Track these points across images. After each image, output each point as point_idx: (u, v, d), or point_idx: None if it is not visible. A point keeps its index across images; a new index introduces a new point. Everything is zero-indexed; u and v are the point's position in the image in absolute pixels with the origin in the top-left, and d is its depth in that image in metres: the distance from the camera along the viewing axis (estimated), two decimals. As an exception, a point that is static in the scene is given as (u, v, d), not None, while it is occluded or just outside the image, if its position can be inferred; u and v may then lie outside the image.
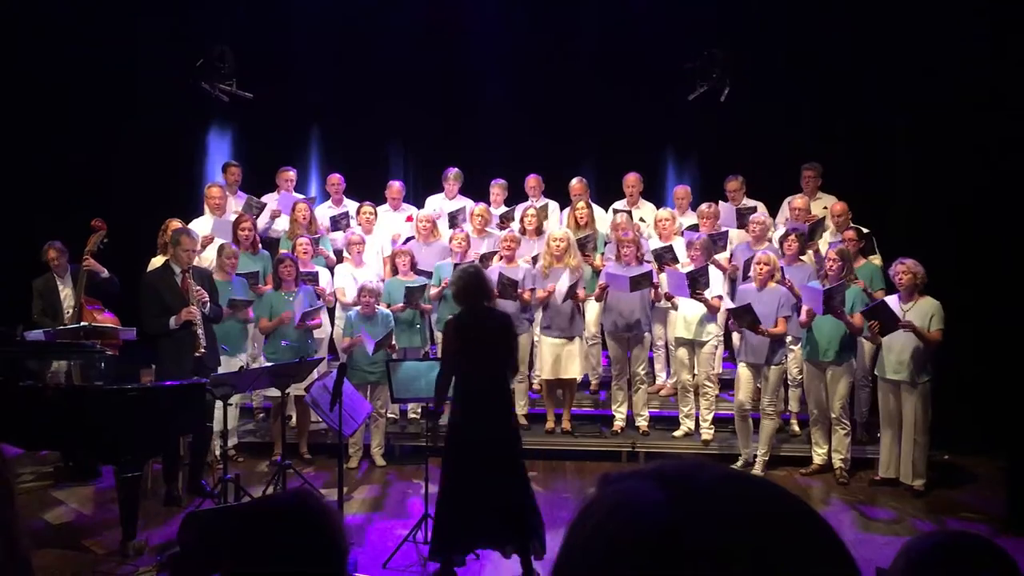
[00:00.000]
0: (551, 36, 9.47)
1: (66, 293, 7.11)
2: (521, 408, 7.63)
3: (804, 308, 6.64)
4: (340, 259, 7.96)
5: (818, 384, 6.78)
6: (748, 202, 8.15)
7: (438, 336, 7.27)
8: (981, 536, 1.55)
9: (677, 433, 7.45)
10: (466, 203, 8.43)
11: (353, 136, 9.45)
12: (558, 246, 7.14)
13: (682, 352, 7.38)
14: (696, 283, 6.81)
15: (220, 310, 6.47)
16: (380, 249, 8.03)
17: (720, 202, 7.92)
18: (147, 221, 7.46)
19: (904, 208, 8.12)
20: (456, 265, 7.00)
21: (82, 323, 6.76)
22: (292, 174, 8.59)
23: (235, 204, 8.25)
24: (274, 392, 6.44)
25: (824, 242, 7.46)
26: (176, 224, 6.99)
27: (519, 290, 7.11)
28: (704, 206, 7.76)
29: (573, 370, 7.31)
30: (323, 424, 6.64)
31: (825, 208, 7.84)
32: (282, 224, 8.18)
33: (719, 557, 0.63)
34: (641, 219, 8.03)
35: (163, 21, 8.66)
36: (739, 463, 6.87)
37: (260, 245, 7.88)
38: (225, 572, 1.44)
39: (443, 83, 9.44)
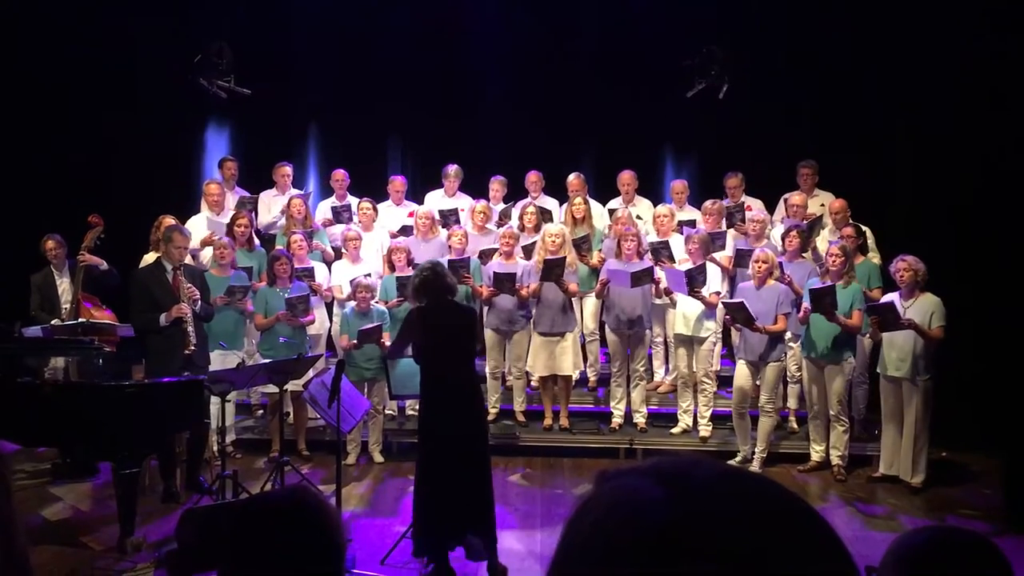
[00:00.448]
0: (550, 33, 9.45)
1: (64, 288, 7.10)
2: (519, 405, 7.64)
3: (803, 305, 6.65)
4: (339, 255, 7.95)
5: (816, 381, 6.78)
6: (747, 199, 8.15)
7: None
8: (970, 532, 1.54)
9: (675, 430, 7.46)
10: (465, 200, 8.43)
11: (352, 133, 9.44)
12: (553, 242, 7.13)
13: (681, 349, 7.38)
14: (694, 281, 6.81)
15: (211, 309, 6.47)
16: (380, 245, 8.02)
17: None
18: (144, 217, 7.45)
19: (903, 206, 8.12)
20: (451, 262, 7.02)
21: (80, 319, 6.75)
22: (289, 170, 8.57)
23: (232, 200, 8.25)
24: (272, 388, 6.44)
25: (823, 240, 7.47)
26: (169, 221, 6.98)
27: (516, 285, 7.11)
28: (708, 203, 7.75)
29: (566, 366, 7.30)
30: (321, 421, 6.65)
31: (822, 205, 7.84)
32: (282, 221, 8.17)
33: (718, 554, 0.63)
34: (638, 216, 8.03)
35: (161, 17, 8.63)
36: (737, 460, 6.88)
37: (257, 242, 7.88)
38: (222, 569, 1.44)
39: (442, 79, 9.42)
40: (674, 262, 7.20)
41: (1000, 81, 7.48)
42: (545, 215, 7.96)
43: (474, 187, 8.62)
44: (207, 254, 7.58)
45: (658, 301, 7.43)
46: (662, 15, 9.00)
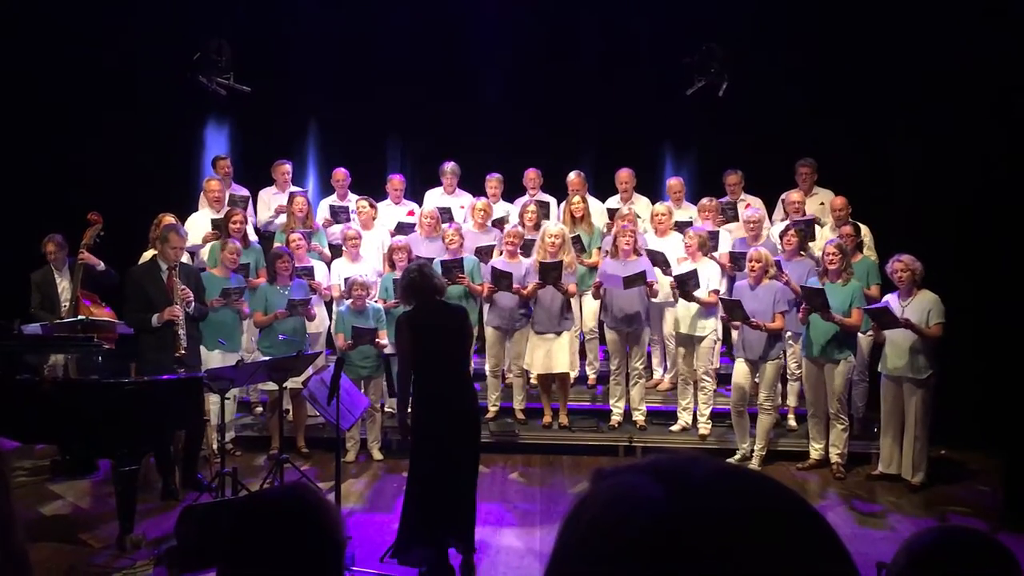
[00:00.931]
0: (550, 31, 9.44)
1: (63, 286, 7.11)
2: (519, 403, 7.65)
3: (802, 305, 6.65)
4: (339, 254, 7.95)
5: (816, 379, 6.79)
6: (746, 197, 8.15)
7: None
8: (982, 531, 1.56)
9: (674, 428, 7.46)
10: (465, 198, 8.42)
11: (351, 130, 9.43)
12: (553, 243, 7.13)
13: (680, 347, 7.39)
14: (685, 284, 6.83)
15: (205, 308, 6.47)
16: (381, 244, 8.01)
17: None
18: (144, 215, 7.44)
19: (903, 204, 8.11)
20: (443, 262, 7.02)
21: (79, 317, 6.75)
22: (288, 167, 8.57)
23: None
24: (271, 386, 6.44)
25: (822, 239, 7.46)
26: (169, 219, 6.97)
27: (515, 286, 7.10)
28: (705, 200, 7.76)
29: (563, 364, 7.31)
30: (320, 418, 6.64)
31: (821, 204, 7.84)
32: (282, 219, 8.18)
33: (717, 552, 0.63)
34: (637, 215, 8.03)
35: (161, 15, 8.63)
36: (736, 458, 6.88)
37: (255, 238, 7.87)
38: (222, 566, 1.44)
39: (442, 77, 9.40)
40: (669, 268, 7.20)
41: (1000, 80, 7.47)
42: (543, 207, 7.96)
43: (475, 185, 8.61)
44: (207, 251, 7.58)
45: (656, 300, 7.44)
46: (662, 13, 8.99)
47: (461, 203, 8.39)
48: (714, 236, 7.52)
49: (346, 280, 7.24)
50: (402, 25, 9.37)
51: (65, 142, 8.50)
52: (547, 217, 8.04)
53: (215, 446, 6.43)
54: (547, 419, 7.55)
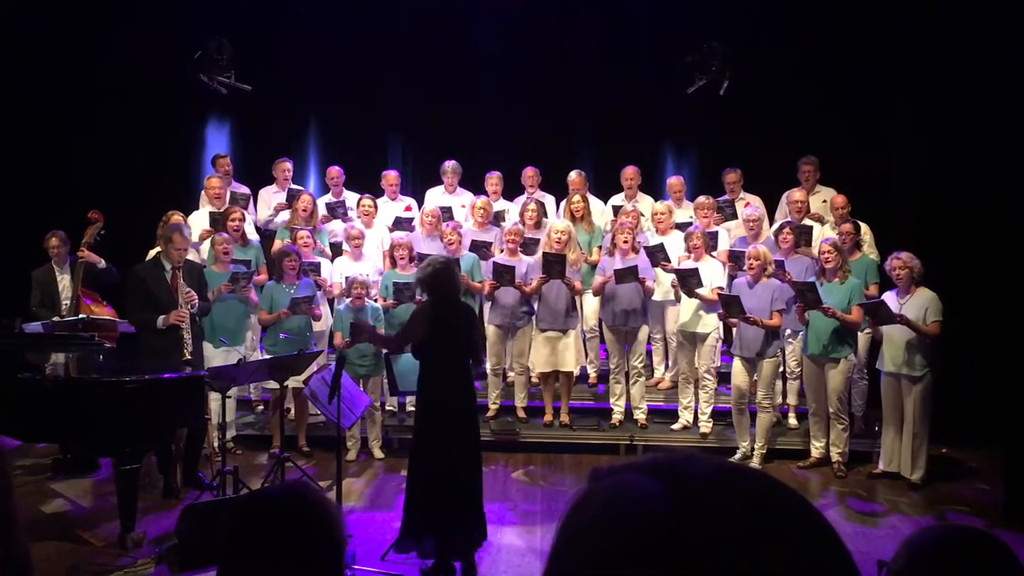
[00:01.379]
0: (551, 29, 9.44)
1: (64, 284, 7.11)
2: (520, 401, 7.65)
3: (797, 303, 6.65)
4: (339, 252, 7.95)
5: (816, 378, 6.79)
6: (745, 196, 8.14)
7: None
8: (982, 530, 1.56)
9: (675, 426, 7.46)
10: (466, 196, 8.42)
11: (352, 128, 9.43)
12: (559, 239, 7.13)
13: (683, 345, 7.38)
14: (686, 282, 6.84)
15: (208, 305, 6.46)
16: (380, 241, 8.01)
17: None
18: (144, 213, 7.45)
19: (904, 202, 8.11)
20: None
21: (80, 315, 6.75)
22: (289, 165, 8.57)
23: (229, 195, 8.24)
24: (273, 384, 6.44)
25: (823, 237, 7.45)
26: (177, 217, 6.97)
27: (517, 281, 7.10)
28: (702, 198, 7.76)
29: (569, 362, 7.31)
30: (321, 417, 6.65)
31: (824, 202, 7.83)
32: (282, 217, 8.17)
33: (717, 550, 0.63)
34: (640, 213, 8.02)
35: (161, 14, 8.62)
36: (737, 456, 6.88)
37: (255, 237, 7.86)
38: (222, 565, 1.44)
39: (442, 75, 9.40)
40: (670, 263, 7.20)
41: (1001, 80, 7.46)
42: (542, 205, 7.96)
43: (475, 183, 8.61)
44: (205, 248, 7.58)
45: (657, 298, 7.44)
46: (663, 11, 8.99)
47: (462, 202, 8.38)
48: (712, 235, 7.52)
49: (347, 279, 7.24)
50: (403, 24, 9.37)
51: (66, 140, 8.50)
52: (545, 215, 8.04)
53: (216, 444, 6.43)
54: (548, 418, 7.55)
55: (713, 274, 7.09)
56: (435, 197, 8.50)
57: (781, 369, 7.23)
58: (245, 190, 8.43)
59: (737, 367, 6.86)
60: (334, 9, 9.23)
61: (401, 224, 7.97)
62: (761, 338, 6.67)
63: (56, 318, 6.83)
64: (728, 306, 6.63)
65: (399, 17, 9.36)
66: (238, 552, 1.43)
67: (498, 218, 8.12)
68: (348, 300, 7.10)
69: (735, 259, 7.27)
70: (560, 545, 0.70)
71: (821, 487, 6.62)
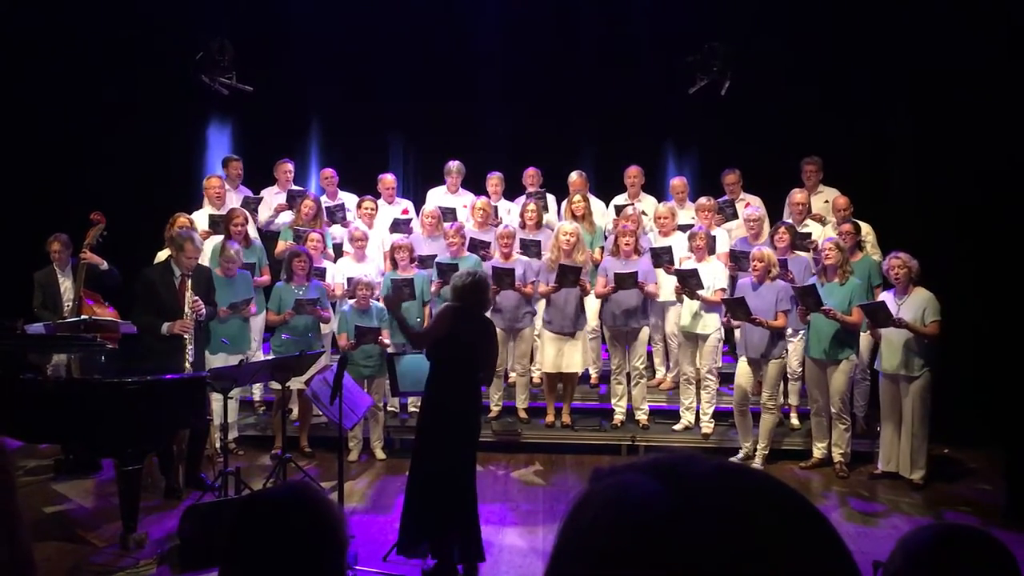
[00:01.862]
0: (552, 30, 9.44)
1: (66, 286, 7.11)
2: (522, 402, 7.64)
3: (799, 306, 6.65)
4: (340, 253, 7.94)
5: (818, 378, 6.78)
6: (746, 196, 8.14)
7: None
8: (978, 529, 1.55)
9: (677, 427, 7.46)
10: (468, 197, 8.41)
11: (354, 129, 9.43)
12: (568, 241, 7.13)
13: (685, 345, 7.38)
14: (686, 283, 6.84)
15: (214, 311, 6.46)
16: (381, 243, 8.01)
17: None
18: (147, 215, 7.46)
19: (904, 202, 8.11)
20: (439, 264, 7.02)
21: (82, 316, 6.75)
22: (290, 166, 8.56)
23: (236, 199, 8.18)
24: (276, 385, 6.44)
25: (824, 237, 7.44)
26: (184, 220, 6.94)
27: (516, 283, 7.10)
28: (703, 199, 7.75)
29: (575, 364, 7.31)
30: (323, 417, 6.65)
31: (826, 202, 7.82)
32: (283, 219, 8.17)
33: (718, 550, 0.63)
34: (643, 213, 8.02)
35: (163, 15, 8.63)
36: (739, 457, 6.88)
37: (257, 238, 7.86)
38: (224, 565, 1.44)
39: (443, 75, 9.40)
40: (673, 265, 7.20)
41: (1002, 79, 7.46)
42: (541, 205, 7.96)
43: (476, 184, 8.61)
44: (208, 249, 7.56)
45: (659, 298, 7.44)
46: (663, 11, 8.97)
47: (464, 202, 8.37)
48: (712, 238, 7.52)
49: (350, 280, 7.23)
50: (403, 24, 9.36)
51: (68, 141, 8.50)
52: (546, 209, 8.03)
53: (218, 445, 6.44)
54: (550, 418, 7.55)
55: (716, 275, 7.09)
56: (436, 197, 8.49)
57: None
58: (257, 196, 8.41)
59: (742, 368, 6.85)
60: (334, 9, 9.23)
61: (399, 227, 7.97)
62: (767, 339, 6.67)
63: (58, 319, 6.83)
64: (733, 310, 6.62)
65: (399, 17, 9.35)
66: (240, 553, 1.43)
67: (496, 216, 8.12)
68: (352, 301, 7.10)
69: (736, 259, 7.26)
70: (561, 545, 0.70)
71: (822, 487, 6.61)
